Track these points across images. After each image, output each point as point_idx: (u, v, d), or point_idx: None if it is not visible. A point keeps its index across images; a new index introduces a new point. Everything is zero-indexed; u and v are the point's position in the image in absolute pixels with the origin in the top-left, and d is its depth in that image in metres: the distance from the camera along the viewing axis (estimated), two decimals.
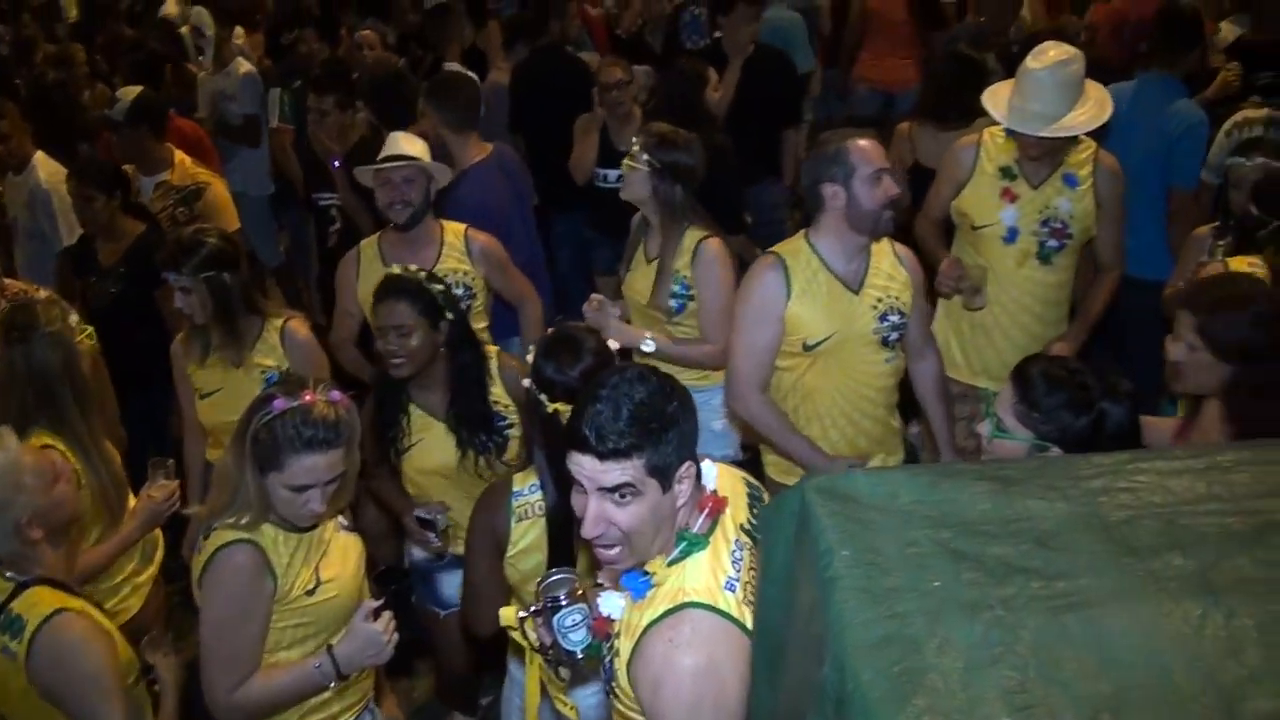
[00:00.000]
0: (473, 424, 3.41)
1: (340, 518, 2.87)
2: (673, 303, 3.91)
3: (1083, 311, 4.11)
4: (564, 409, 2.65)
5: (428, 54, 6.62)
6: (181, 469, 3.76)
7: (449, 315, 3.39)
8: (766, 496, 2.40)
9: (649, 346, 3.84)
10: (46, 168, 5.31)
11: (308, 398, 2.57)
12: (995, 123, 3.95)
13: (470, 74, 5.75)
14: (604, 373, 2.17)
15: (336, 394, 2.64)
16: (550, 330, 2.99)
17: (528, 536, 2.83)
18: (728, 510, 2.22)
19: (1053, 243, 3.93)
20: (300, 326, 3.75)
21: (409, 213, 4.03)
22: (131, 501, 3.45)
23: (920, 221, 4.25)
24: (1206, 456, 1.72)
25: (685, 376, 3.92)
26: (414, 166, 4.01)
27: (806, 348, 3.44)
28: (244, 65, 6.92)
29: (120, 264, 4.67)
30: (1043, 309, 4.02)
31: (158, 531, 3.58)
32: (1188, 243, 4.08)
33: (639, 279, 4.01)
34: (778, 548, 1.69)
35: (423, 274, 3.46)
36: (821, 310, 3.41)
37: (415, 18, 7.38)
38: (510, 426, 3.47)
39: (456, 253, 4.13)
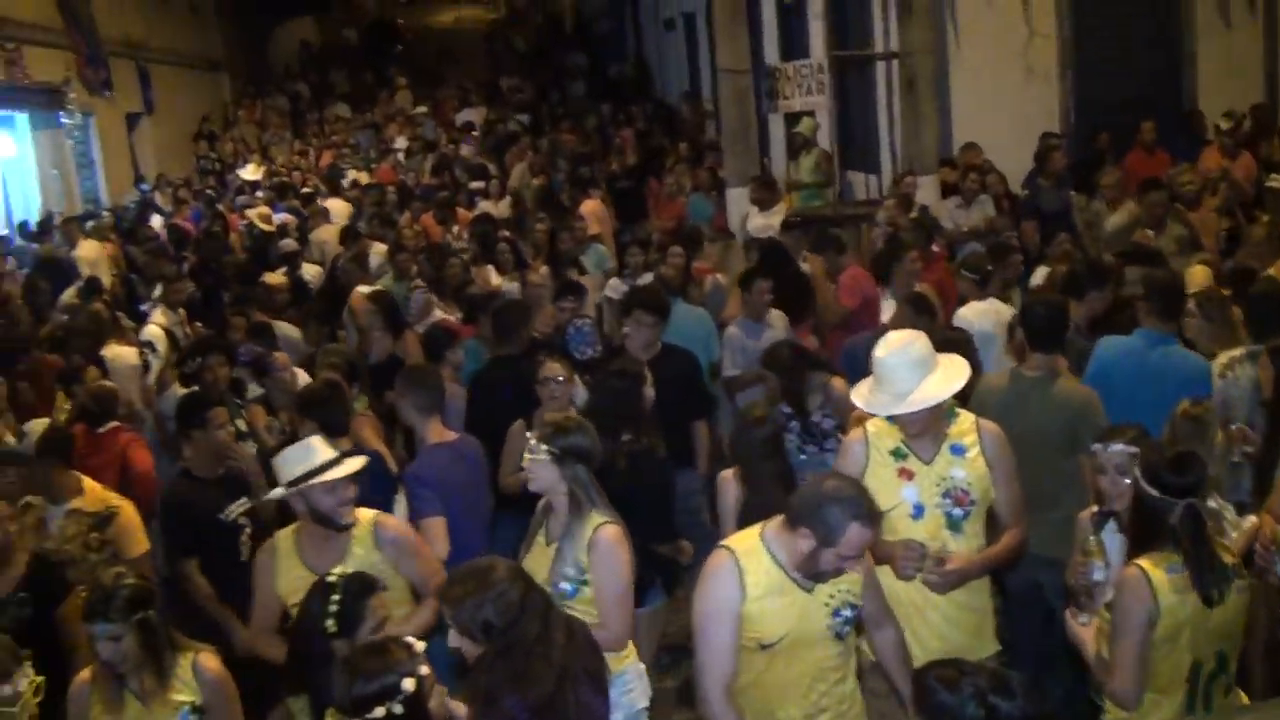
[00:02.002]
0: None
1: None
2: (565, 585, 3.90)
3: (983, 553, 4.06)
4: None
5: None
6: None
7: None
8: None
9: None
10: None
11: None
12: None
13: (435, 367, 5.91)
14: None
15: None
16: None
17: None
18: None
19: (958, 511, 3.98)
20: (209, 660, 3.72)
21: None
22: None
23: None
24: None
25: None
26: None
27: (763, 646, 3.46)
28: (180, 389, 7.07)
29: (20, 589, 4.54)
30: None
31: None
32: (1075, 528, 4.07)
33: (535, 561, 3.99)
34: None
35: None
36: (778, 610, 3.44)
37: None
38: None
39: (364, 545, 4.14)
